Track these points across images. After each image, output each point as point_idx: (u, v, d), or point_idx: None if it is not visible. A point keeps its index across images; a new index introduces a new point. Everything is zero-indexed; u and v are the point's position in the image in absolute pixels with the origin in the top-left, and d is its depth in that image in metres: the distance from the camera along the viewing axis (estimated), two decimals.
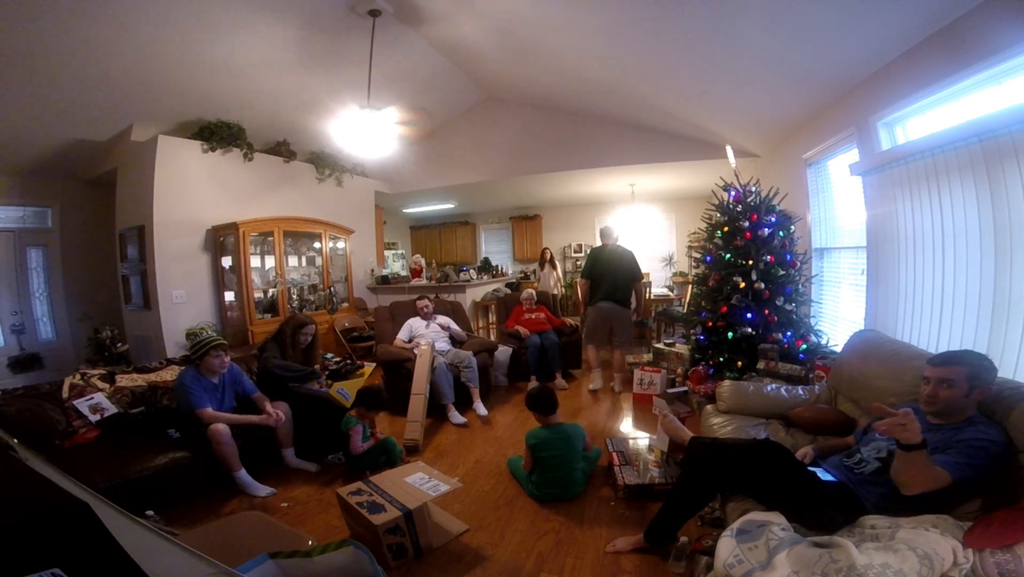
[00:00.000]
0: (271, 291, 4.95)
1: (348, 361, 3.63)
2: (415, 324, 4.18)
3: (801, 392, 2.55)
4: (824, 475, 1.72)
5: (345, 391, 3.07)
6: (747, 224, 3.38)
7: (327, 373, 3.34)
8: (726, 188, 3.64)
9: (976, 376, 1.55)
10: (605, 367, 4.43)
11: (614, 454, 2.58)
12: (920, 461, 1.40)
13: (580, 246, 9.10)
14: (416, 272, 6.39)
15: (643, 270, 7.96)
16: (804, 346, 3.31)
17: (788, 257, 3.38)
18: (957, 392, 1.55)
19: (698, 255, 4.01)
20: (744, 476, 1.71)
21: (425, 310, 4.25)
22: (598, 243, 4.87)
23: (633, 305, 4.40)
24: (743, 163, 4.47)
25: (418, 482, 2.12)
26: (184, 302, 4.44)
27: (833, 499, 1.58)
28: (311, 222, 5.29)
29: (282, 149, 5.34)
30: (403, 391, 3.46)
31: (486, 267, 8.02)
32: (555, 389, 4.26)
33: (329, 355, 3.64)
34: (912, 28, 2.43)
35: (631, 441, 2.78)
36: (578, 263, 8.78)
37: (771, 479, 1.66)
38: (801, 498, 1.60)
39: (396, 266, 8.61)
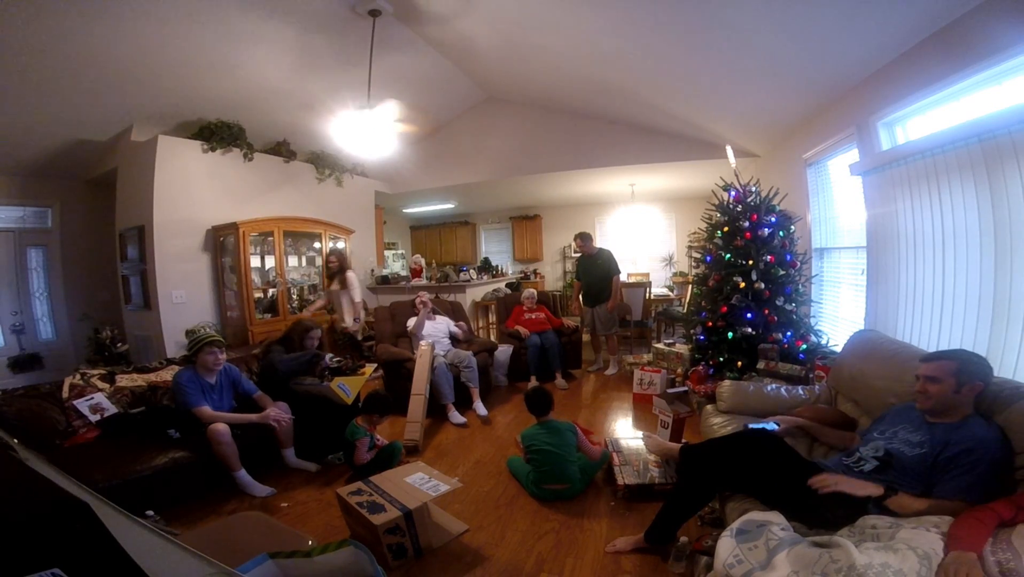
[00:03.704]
0: (271, 291, 4.95)
1: (349, 361, 3.63)
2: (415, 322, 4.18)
3: (801, 392, 2.55)
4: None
5: (346, 387, 3.07)
6: (747, 224, 3.38)
7: (328, 371, 3.34)
8: (726, 188, 3.64)
9: (963, 371, 1.55)
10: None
11: (614, 454, 2.58)
12: (909, 504, 1.43)
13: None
14: (416, 272, 6.39)
15: (643, 270, 8.09)
16: (804, 346, 3.31)
17: (788, 257, 3.38)
18: (945, 388, 1.56)
19: (698, 255, 4.01)
20: (735, 466, 1.74)
21: (422, 302, 4.25)
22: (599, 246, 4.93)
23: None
24: (743, 163, 4.48)
25: (418, 482, 2.12)
26: (184, 302, 4.44)
27: (832, 492, 1.58)
28: (311, 222, 5.30)
29: (282, 149, 5.34)
30: (403, 391, 3.46)
31: (486, 267, 8.01)
32: (555, 389, 4.29)
33: (329, 355, 3.63)
34: (912, 28, 2.43)
35: (631, 441, 2.78)
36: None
37: (761, 464, 1.68)
38: (795, 485, 1.61)
39: (396, 266, 8.60)
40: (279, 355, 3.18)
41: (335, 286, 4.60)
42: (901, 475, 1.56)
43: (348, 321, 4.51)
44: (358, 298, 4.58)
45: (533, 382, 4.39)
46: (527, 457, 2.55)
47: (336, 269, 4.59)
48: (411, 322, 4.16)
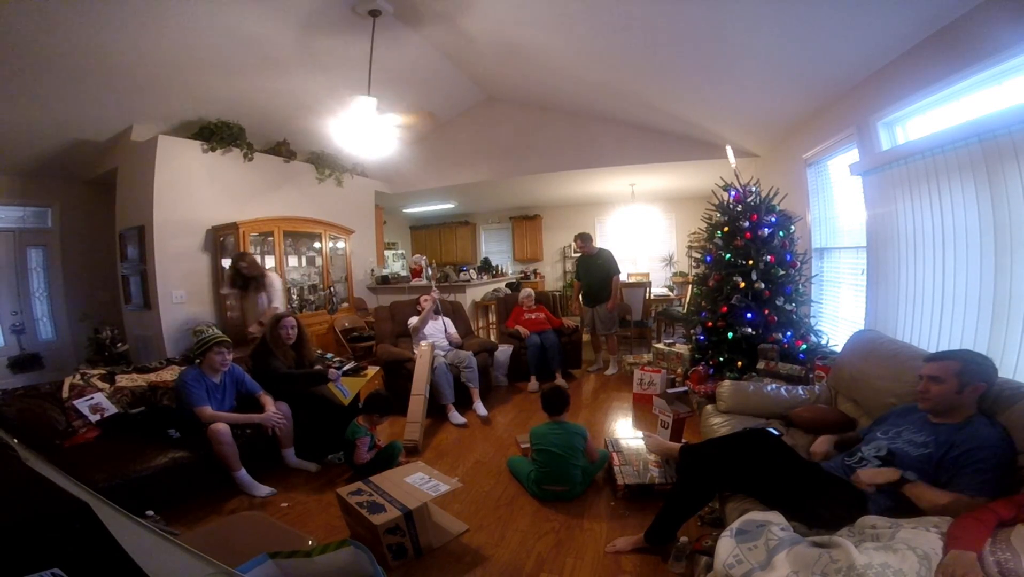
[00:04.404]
0: None
1: (353, 362, 3.59)
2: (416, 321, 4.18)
3: (801, 392, 2.55)
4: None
5: (344, 387, 3.06)
6: (747, 224, 3.38)
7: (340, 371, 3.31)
8: (726, 188, 3.64)
9: (966, 372, 1.56)
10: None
11: (614, 454, 2.58)
12: (924, 493, 1.42)
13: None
14: (416, 272, 6.39)
15: (643, 270, 8.09)
16: (804, 346, 3.31)
17: (788, 257, 3.38)
18: (947, 388, 1.57)
19: (698, 255, 4.02)
20: (735, 465, 1.74)
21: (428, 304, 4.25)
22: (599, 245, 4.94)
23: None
24: (743, 163, 4.47)
25: (418, 482, 2.12)
26: (184, 302, 4.43)
27: (831, 491, 1.58)
28: (311, 222, 5.29)
29: (282, 149, 5.34)
30: (403, 391, 3.46)
31: (486, 267, 8.02)
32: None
33: (330, 355, 3.62)
34: (912, 28, 2.43)
35: (631, 441, 2.78)
36: None
37: (761, 465, 1.68)
38: (795, 485, 1.61)
39: (396, 266, 8.60)
40: (277, 364, 3.09)
41: (252, 293, 3.95)
42: None
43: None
44: (276, 303, 3.92)
45: (533, 382, 4.39)
46: (532, 454, 2.53)
47: (250, 276, 3.95)
48: (413, 320, 4.16)
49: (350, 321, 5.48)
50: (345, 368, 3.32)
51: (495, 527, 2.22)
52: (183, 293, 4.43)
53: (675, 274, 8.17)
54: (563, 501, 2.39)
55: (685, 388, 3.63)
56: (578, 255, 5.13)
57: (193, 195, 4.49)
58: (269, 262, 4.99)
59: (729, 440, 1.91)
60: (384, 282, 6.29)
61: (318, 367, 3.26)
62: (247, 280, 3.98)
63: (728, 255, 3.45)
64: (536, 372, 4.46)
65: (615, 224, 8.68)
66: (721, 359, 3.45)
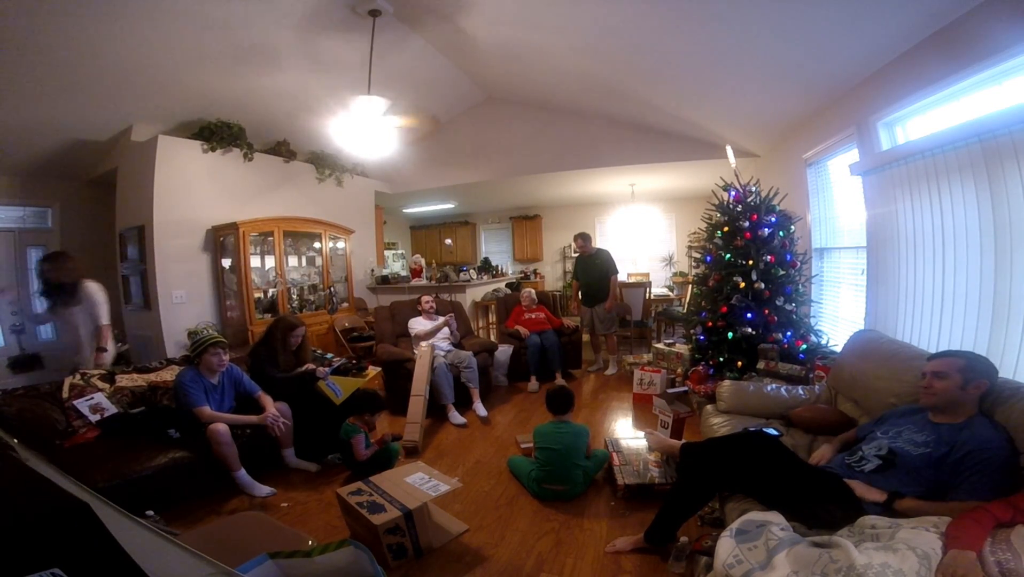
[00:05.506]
0: (271, 291, 4.95)
1: (354, 362, 3.59)
2: (418, 322, 4.18)
3: (801, 392, 2.55)
4: None
5: (336, 386, 3.03)
6: (747, 224, 3.38)
7: (330, 368, 3.32)
8: (726, 188, 3.64)
9: (970, 368, 1.57)
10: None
11: (614, 454, 2.58)
12: (916, 507, 1.43)
13: None
14: (416, 272, 6.39)
15: (643, 270, 8.08)
16: (804, 346, 3.31)
17: (788, 257, 3.38)
18: (950, 384, 1.58)
19: (698, 255, 4.01)
20: (735, 467, 1.74)
21: (428, 306, 4.26)
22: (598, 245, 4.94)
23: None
24: (743, 163, 4.47)
25: (418, 482, 2.12)
26: (184, 302, 4.43)
27: (830, 492, 1.58)
28: (311, 222, 5.29)
29: (282, 149, 5.34)
30: (403, 391, 3.46)
31: (486, 267, 8.02)
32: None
33: (329, 355, 3.62)
34: (912, 28, 2.43)
35: (631, 441, 2.78)
36: None
37: (760, 466, 1.69)
38: (794, 487, 1.61)
39: (396, 266, 8.60)
40: (273, 370, 3.11)
41: (62, 308, 3.08)
42: (904, 474, 1.56)
43: (89, 354, 3.12)
44: (104, 319, 3.13)
45: (533, 382, 4.39)
46: (534, 453, 2.54)
47: (58, 286, 3.04)
48: (417, 326, 4.13)
49: (350, 321, 5.48)
50: (335, 365, 3.31)
51: (495, 527, 2.22)
52: (183, 293, 4.43)
53: (675, 274, 8.17)
54: (563, 501, 2.39)
55: (685, 388, 3.63)
56: (577, 255, 5.13)
57: (193, 195, 4.49)
58: (269, 262, 5.00)
59: (730, 440, 1.90)
60: (384, 282, 6.29)
61: (309, 367, 3.24)
62: (57, 290, 3.06)
63: (728, 255, 3.45)
64: (536, 372, 4.45)
65: (615, 224, 8.68)
66: (721, 359, 3.45)
